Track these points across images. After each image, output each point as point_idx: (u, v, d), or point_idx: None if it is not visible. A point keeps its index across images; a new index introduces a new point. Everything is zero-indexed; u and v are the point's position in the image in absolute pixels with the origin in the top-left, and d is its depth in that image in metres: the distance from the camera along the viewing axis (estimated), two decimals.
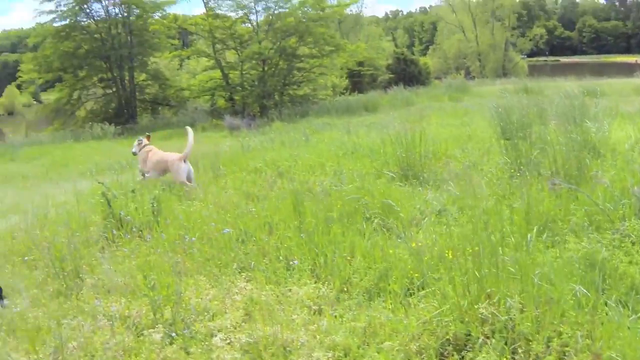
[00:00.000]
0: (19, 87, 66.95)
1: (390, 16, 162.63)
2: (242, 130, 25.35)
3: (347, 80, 44.91)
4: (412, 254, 5.75)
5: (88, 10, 40.04)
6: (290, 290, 5.64)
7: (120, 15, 40.42)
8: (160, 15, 41.55)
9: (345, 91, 42.53)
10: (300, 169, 10.89)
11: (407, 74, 49.66)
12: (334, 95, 40.09)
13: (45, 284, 6.47)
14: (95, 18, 40.49)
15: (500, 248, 5.36)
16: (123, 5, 39.71)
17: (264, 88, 35.26)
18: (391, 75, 49.54)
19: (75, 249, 6.89)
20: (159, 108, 42.12)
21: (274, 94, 36.27)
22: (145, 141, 11.89)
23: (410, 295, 5.26)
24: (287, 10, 36.30)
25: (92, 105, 41.47)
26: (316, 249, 6.23)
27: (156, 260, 6.58)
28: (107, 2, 39.70)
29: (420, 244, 5.97)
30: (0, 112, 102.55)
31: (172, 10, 42.19)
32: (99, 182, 9.25)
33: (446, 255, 5.52)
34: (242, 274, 6.22)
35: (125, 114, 39.27)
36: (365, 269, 5.78)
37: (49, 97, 55.67)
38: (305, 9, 35.96)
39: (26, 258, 7.24)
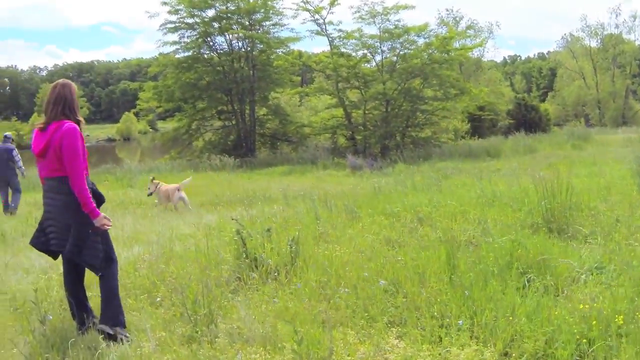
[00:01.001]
0: (136, 114, 68.84)
1: (509, 61, 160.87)
2: (365, 170, 25.36)
3: (468, 124, 44.48)
4: (577, 316, 5.33)
5: (211, 43, 41.37)
6: (448, 351, 5.10)
7: (243, 50, 41.26)
8: (283, 51, 42.19)
9: (465, 135, 42.11)
10: (441, 216, 10.39)
11: (528, 120, 48.98)
12: (455, 139, 39.80)
13: (173, 325, 5.97)
14: (218, 51, 41.72)
15: None
16: (247, 40, 40.47)
17: (387, 128, 35.23)
18: (511, 121, 49.00)
19: (208, 290, 6.32)
20: (278, 143, 42.51)
21: (395, 135, 36.14)
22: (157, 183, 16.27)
23: None
24: (411, 51, 36.33)
25: (210, 137, 42.29)
26: (474, 306, 5.76)
27: (297, 307, 6.14)
28: (230, 36, 40.71)
29: (587, 305, 5.52)
30: (117, 138, 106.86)
31: (294, 47, 42.64)
32: (232, 219, 9.10)
33: (616, 320, 5.07)
34: (393, 329, 5.70)
35: (243, 147, 39.81)
36: (530, 331, 5.25)
37: (166, 125, 57.11)
38: (431, 51, 35.73)
39: (158, 299, 6.79)
